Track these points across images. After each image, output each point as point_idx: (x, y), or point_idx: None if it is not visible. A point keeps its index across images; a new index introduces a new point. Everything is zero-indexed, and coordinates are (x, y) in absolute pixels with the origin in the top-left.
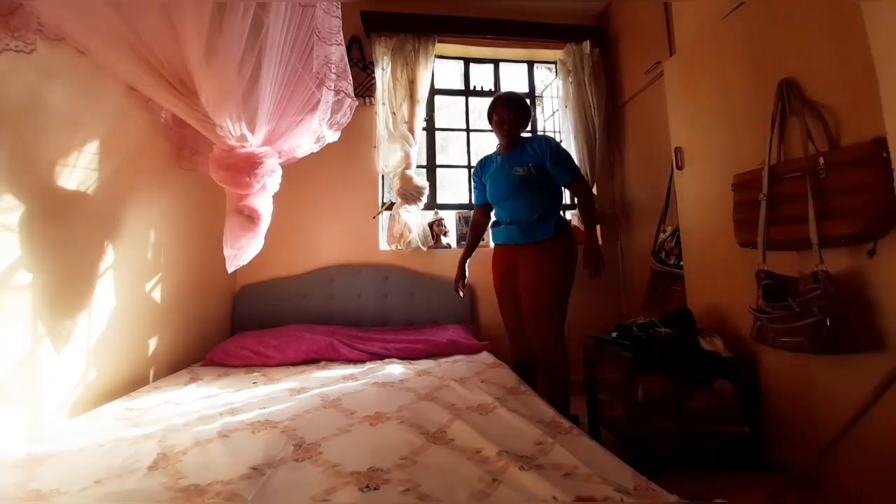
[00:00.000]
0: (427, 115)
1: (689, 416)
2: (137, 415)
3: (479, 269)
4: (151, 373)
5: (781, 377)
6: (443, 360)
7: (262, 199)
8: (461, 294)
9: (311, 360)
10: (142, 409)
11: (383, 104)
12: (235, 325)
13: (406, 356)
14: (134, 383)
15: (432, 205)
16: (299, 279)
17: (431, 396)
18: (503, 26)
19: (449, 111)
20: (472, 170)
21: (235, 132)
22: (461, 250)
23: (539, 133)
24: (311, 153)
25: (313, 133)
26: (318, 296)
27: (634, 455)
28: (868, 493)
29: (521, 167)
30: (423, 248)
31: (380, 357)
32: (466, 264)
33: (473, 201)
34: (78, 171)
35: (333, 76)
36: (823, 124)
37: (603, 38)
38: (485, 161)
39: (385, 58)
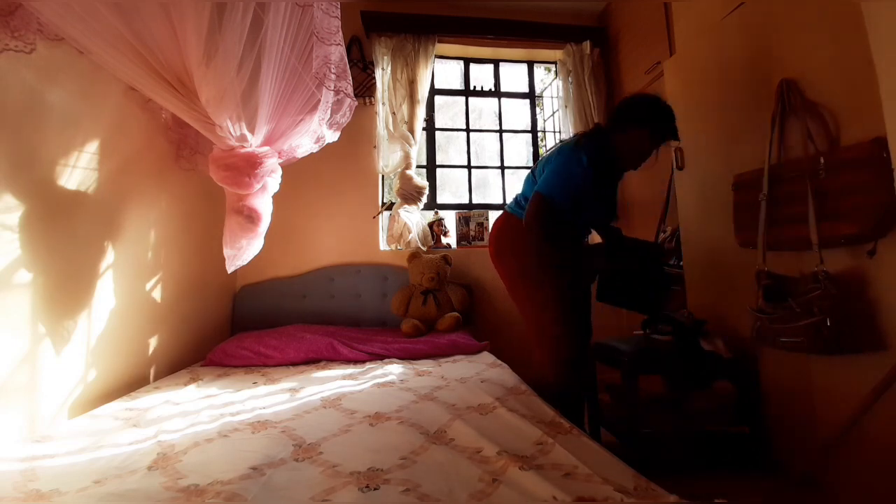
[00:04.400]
0: (427, 115)
1: (689, 416)
2: (137, 415)
3: (479, 270)
4: (151, 373)
5: (781, 377)
6: (443, 361)
7: (262, 200)
8: None
9: (311, 360)
10: (141, 409)
11: (383, 104)
12: (235, 325)
13: (406, 356)
14: (134, 383)
15: (432, 205)
16: (299, 279)
17: (431, 396)
18: (503, 26)
19: (449, 111)
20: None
21: (235, 132)
22: (461, 250)
23: (539, 131)
24: (311, 153)
25: (313, 133)
26: (317, 296)
27: (634, 455)
28: (868, 493)
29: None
30: (423, 248)
31: (380, 357)
32: None
33: None
34: (78, 171)
35: (333, 76)
36: (823, 124)
37: (603, 39)
38: None
39: (385, 58)
